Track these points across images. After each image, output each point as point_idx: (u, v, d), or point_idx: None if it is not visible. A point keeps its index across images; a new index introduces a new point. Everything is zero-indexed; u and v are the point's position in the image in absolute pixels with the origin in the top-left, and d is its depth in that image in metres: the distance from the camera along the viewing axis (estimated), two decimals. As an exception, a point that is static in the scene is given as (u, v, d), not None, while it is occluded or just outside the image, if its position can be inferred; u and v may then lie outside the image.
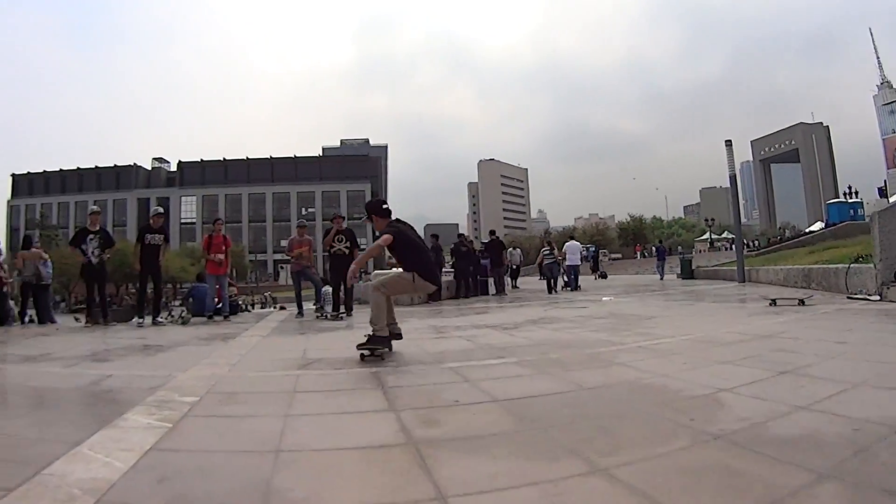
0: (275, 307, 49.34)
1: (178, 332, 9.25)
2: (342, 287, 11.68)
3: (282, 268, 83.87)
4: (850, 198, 53.27)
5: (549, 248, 20.26)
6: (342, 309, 11.59)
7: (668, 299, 13.42)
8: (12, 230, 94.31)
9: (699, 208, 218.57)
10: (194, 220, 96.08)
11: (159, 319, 10.92)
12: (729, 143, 24.01)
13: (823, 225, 52.17)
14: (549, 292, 18.53)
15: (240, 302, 14.70)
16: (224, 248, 12.10)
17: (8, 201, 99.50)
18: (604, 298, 14.29)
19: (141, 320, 10.61)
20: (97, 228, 11.16)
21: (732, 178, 22.09)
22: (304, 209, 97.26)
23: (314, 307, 12.29)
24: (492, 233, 20.50)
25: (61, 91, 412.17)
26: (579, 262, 21.02)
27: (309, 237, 12.40)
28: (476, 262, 18.78)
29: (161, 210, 11.78)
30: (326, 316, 11.25)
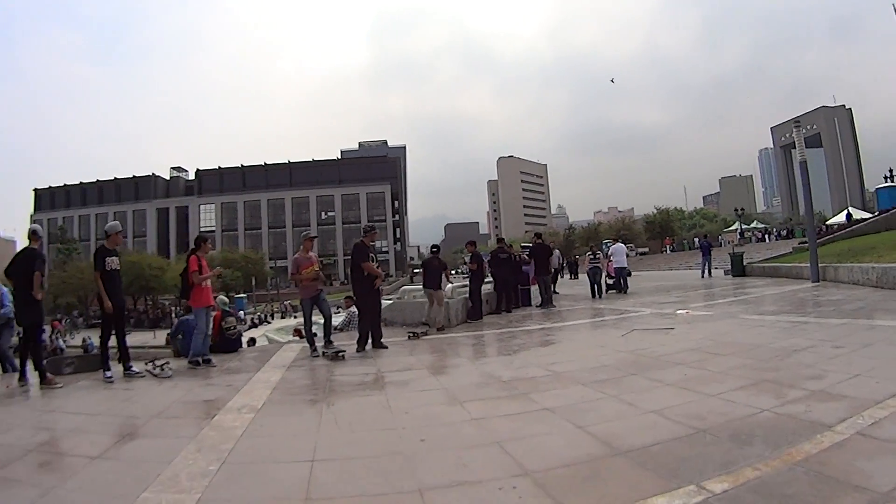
0: (295, 316, 47.48)
1: (149, 396, 6.69)
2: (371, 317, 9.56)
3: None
4: (893, 181, 49.23)
5: (591, 252, 19.38)
6: (367, 346, 9.37)
7: (764, 312, 10.77)
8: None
9: (718, 198, 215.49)
10: (213, 228, 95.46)
11: (132, 369, 8.26)
12: (797, 124, 21.32)
13: (848, 214, 48.46)
14: (593, 297, 17.63)
15: (242, 337, 12.04)
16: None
17: (31, 216, 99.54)
18: (679, 312, 11.68)
19: (109, 373, 8.02)
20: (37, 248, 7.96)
21: (803, 165, 19.43)
22: (323, 213, 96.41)
23: (320, 347, 9.33)
24: (537, 235, 17.79)
25: (83, 105, 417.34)
26: (626, 264, 19.98)
27: (313, 254, 9.77)
28: (518, 269, 16.24)
29: (119, 226, 8.63)
30: (339, 355, 8.61)
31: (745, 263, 25.07)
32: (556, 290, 20.61)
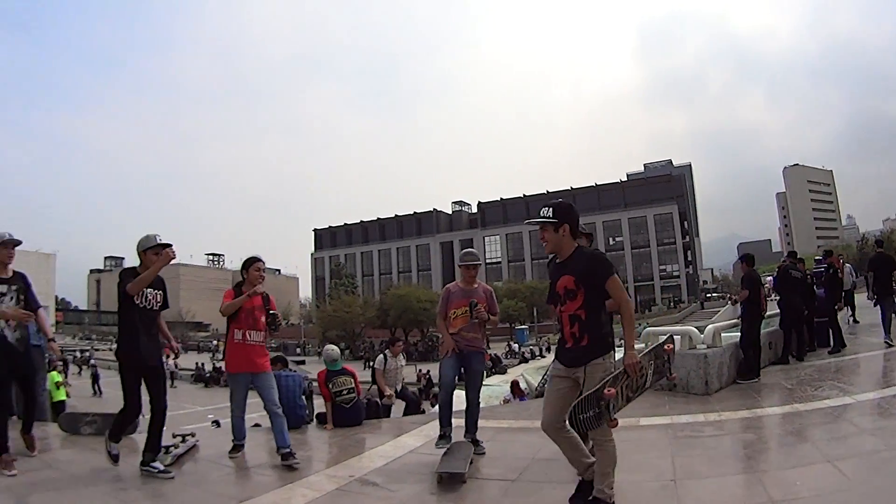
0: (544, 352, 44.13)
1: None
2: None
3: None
4: None
5: None
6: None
7: None
8: (316, 279, 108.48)
9: None
10: (499, 260, 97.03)
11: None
12: None
13: None
14: None
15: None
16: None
17: (311, 254, 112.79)
18: None
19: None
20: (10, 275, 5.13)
21: None
22: (611, 238, 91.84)
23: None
24: (878, 244, 12.24)
25: (356, 150, 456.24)
26: None
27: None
28: (810, 294, 10.76)
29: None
30: None
31: None
32: (857, 318, 14.30)
